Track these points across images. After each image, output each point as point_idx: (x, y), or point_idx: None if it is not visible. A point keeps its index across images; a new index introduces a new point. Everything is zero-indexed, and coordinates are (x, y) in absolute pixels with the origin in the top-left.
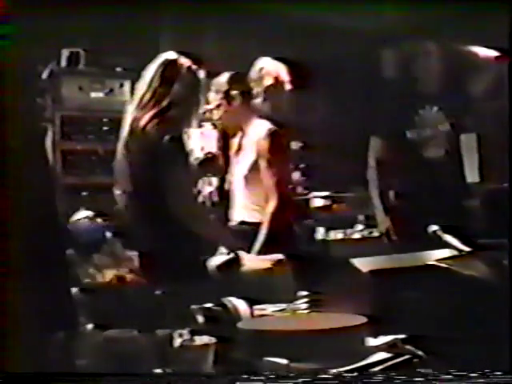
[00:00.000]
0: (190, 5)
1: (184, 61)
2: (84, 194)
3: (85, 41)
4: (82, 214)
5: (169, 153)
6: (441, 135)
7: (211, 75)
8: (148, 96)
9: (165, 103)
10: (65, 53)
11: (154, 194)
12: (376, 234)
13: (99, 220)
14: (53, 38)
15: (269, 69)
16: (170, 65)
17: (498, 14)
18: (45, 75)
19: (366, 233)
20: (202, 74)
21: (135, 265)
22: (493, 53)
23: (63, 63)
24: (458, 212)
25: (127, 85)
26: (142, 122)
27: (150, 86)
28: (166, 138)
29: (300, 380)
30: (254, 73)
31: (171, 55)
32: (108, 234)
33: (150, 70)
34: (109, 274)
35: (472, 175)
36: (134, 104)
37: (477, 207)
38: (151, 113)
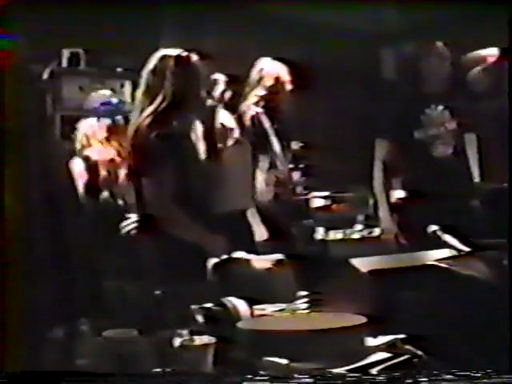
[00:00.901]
0: (190, 5)
1: (171, 51)
2: None
3: (85, 41)
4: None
5: (167, 150)
6: (447, 134)
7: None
8: (145, 97)
9: (159, 99)
10: (65, 53)
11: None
12: (376, 233)
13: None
14: (53, 38)
15: (269, 69)
16: (159, 61)
17: (499, 14)
18: (45, 75)
19: (365, 233)
20: (195, 58)
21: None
22: (493, 52)
23: (64, 63)
24: (458, 212)
25: (127, 85)
26: (139, 121)
27: (146, 89)
28: (152, 134)
29: (300, 380)
30: (254, 73)
31: (159, 53)
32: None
33: (143, 77)
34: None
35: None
36: (135, 113)
37: (477, 207)
38: (148, 111)
